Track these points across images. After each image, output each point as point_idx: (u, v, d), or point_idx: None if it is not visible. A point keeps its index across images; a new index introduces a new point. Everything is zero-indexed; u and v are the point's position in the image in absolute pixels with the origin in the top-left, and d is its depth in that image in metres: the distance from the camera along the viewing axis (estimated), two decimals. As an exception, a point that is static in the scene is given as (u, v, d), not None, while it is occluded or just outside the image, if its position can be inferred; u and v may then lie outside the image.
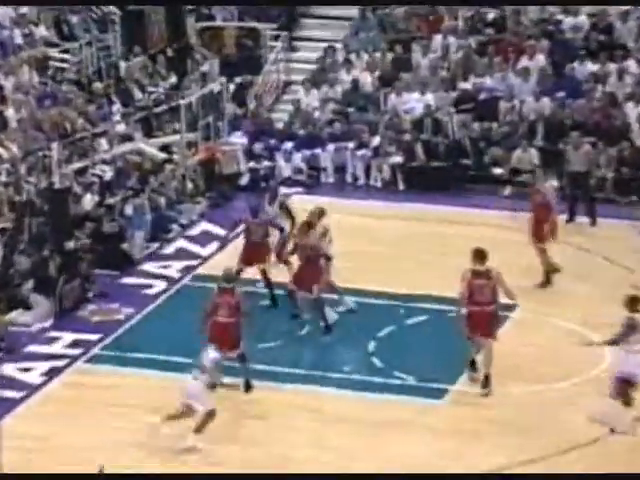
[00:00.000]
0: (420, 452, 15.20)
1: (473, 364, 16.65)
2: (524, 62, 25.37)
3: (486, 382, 16.33)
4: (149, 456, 14.91)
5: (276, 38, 27.27)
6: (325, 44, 26.91)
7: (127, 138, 23.35)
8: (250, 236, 18.87)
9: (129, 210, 21.29)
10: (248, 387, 16.48)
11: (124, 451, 14.90)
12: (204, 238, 21.82)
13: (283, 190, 23.71)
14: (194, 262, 20.91)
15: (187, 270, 20.63)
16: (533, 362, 17.06)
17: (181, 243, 21.72)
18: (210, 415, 14.99)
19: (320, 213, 18.50)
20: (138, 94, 24.97)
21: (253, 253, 18.81)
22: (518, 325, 18.19)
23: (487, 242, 20.61)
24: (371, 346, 17.63)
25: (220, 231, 21.79)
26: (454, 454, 15.14)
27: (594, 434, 15.26)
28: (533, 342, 17.68)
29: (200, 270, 20.59)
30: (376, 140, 24.53)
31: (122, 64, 25.83)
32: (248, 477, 11.91)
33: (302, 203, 22.95)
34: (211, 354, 15.16)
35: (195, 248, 21.48)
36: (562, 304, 18.68)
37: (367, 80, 25.93)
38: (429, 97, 25.10)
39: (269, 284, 18.93)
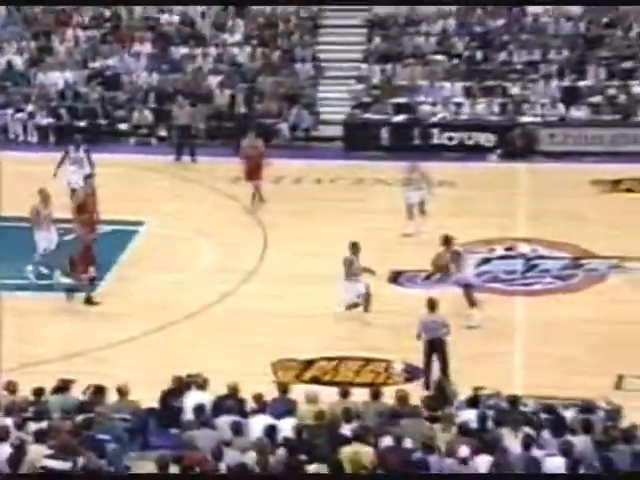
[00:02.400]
0: (80, 330, 14.78)
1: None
2: (136, 47, 24.86)
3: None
4: None
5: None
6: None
7: None
8: None
9: None
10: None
11: None
12: None
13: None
14: None
15: None
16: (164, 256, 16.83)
17: None
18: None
19: None
20: None
21: None
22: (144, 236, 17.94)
23: (121, 177, 20.33)
24: (36, 257, 16.76)
25: None
26: (108, 328, 14.77)
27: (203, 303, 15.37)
28: (161, 244, 17.41)
29: None
30: (30, 107, 23.32)
31: None
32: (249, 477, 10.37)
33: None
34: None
35: None
36: (175, 219, 18.40)
37: (18, 62, 24.58)
38: (68, 74, 24.13)
39: None
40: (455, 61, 24.24)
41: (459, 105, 23.33)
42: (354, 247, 15.06)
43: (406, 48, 24.66)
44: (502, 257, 17.12)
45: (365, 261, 16.12)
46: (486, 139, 22.53)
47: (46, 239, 16.23)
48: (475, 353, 13.91)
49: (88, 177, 17.12)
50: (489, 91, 23.51)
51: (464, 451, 9.77)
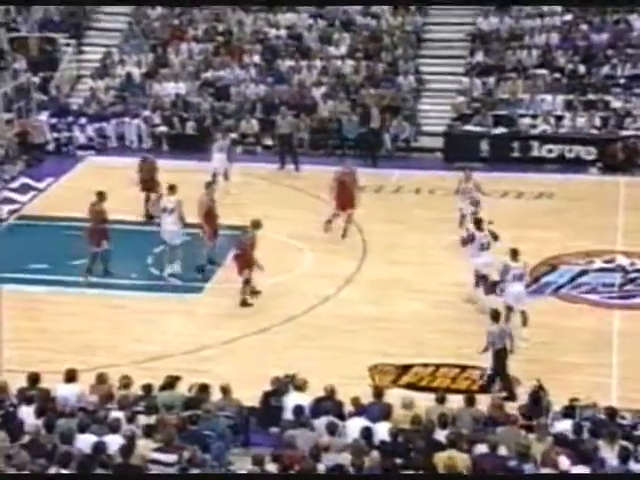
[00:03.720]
0: (187, 329, 15.00)
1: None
2: (246, 60, 25.08)
3: None
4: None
5: (68, 45, 25.96)
6: (104, 48, 25.80)
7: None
8: None
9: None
10: None
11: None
12: (23, 189, 20.68)
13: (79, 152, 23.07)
14: (16, 206, 19.79)
15: (11, 212, 19.49)
16: (267, 260, 16.80)
17: (6, 193, 20.44)
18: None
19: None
20: (-35, 86, 23.37)
21: None
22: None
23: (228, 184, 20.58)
24: (149, 259, 17.16)
25: (35, 183, 20.98)
26: (213, 328, 14.98)
27: (304, 307, 15.43)
28: (264, 248, 17.42)
29: (21, 212, 19.51)
30: (145, 115, 23.76)
31: (-49, 64, 24.15)
32: (247, 477, 9.70)
33: (94, 162, 22.40)
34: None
35: (17, 196, 20.30)
36: (277, 225, 18.56)
37: (136, 74, 25.09)
38: (181, 85, 24.53)
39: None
40: (557, 75, 23.80)
41: (560, 118, 22.88)
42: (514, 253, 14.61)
43: (508, 62, 24.34)
44: (600, 269, 16.67)
45: (460, 271, 15.95)
46: (587, 152, 22.02)
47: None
48: (572, 364, 13.58)
49: (209, 184, 17.36)
50: (591, 104, 22.99)
51: (564, 462, 9.51)
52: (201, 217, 16.61)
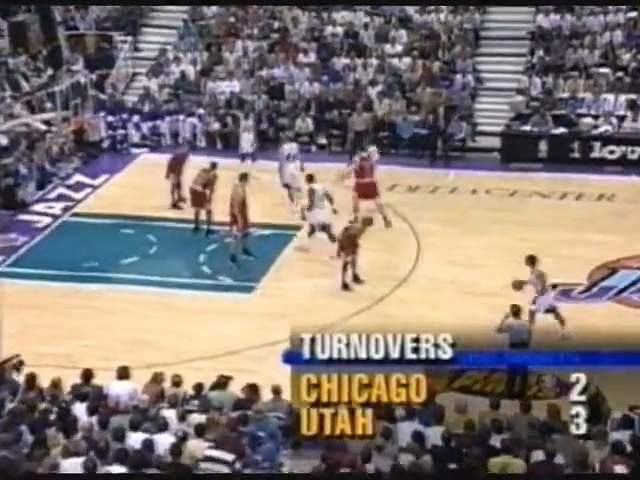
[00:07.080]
0: (238, 329, 15.10)
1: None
2: (300, 58, 25.15)
3: None
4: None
5: (124, 42, 26.33)
6: (159, 46, 26.08)
7: (16, 115, 22.29)
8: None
9: (22, 167, 20.37)
10: None
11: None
12: (78, 186, 21.02)
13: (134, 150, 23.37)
14: (71, 203, 20.16)
15: (66, 209, 19.86)
16: (309, 262, 16.94)
17: (61, 190, 20.86)
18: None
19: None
20: (24, 83, 23.74)
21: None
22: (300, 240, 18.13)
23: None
24: (201, 258, 17.32)
25: (89, 181, 21.31)
26: (262, 330, 15.04)
27: (357, 307, 15.44)
28: (316, 248, 17.47)
29: (75, 209, 19.86)
30: (200, 112, 23.96)
31: (10, 61, 24.48)
32: (249, 477, 9.77)
33: (148, 160, 22.66)
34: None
35: (71, 193, 20.69)
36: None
37: (191, 71, 25.30)
38: (235, 83, 24.69)
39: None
40: (620, 73, 23.44)
41: (622, 118, 22.53)
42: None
43: (568, 61, 24.04)
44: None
45: (518, 275, 15.78)
46: (650, 153, 21.66)
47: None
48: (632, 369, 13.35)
49: (244, 176, 17.52)
50: (655, 104, 22.63)
51: (622, 472, 9.35)
52: (237, 209, 16.67)
